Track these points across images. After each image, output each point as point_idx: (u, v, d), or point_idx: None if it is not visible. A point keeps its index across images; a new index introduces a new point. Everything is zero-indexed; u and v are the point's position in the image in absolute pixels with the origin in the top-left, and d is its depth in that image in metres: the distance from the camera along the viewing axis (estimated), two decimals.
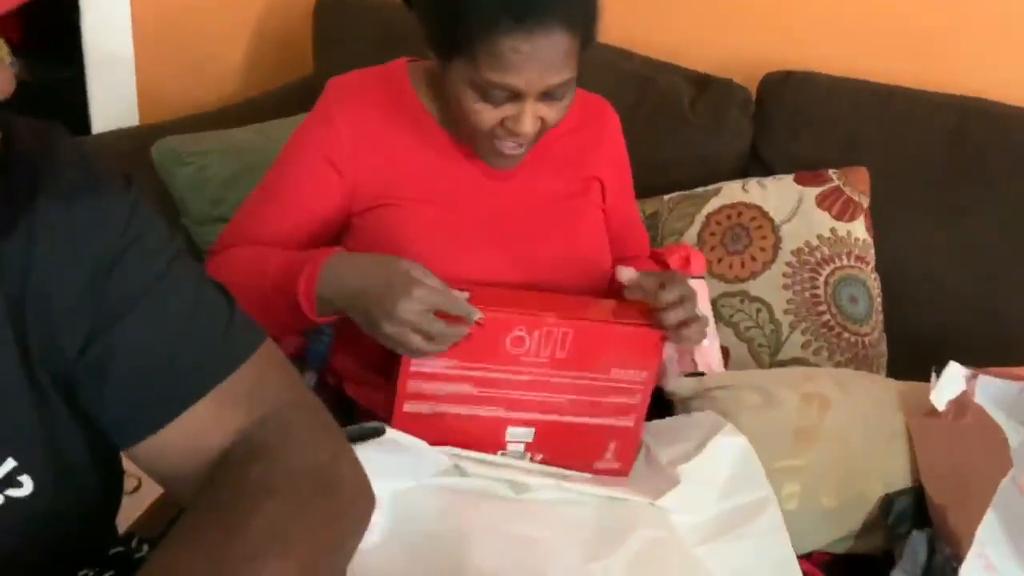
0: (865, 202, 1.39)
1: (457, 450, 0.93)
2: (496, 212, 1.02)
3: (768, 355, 1.33)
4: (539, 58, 0.89)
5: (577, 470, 0.99)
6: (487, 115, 0.93)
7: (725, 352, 1.32)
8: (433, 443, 0.90)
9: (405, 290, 0.85)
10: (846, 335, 1.33)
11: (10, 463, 0.56)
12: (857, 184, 1.39)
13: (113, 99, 1.76)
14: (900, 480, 1.04)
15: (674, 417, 1.10)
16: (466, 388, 0.93)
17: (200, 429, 0.58)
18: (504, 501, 0.91)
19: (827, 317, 1.34)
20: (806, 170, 1.41)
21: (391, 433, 0.87)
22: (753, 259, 1.36)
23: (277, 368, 0.63)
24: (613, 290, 1.02)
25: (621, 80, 1.46)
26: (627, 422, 0.98)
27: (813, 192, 1.38)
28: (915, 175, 1.40)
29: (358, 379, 1.08)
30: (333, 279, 0.89)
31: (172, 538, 0.52)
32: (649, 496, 0.93)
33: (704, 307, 1.27)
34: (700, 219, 1.39)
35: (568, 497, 0.93)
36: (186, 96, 1.83)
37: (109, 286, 0.56)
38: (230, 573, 0.50)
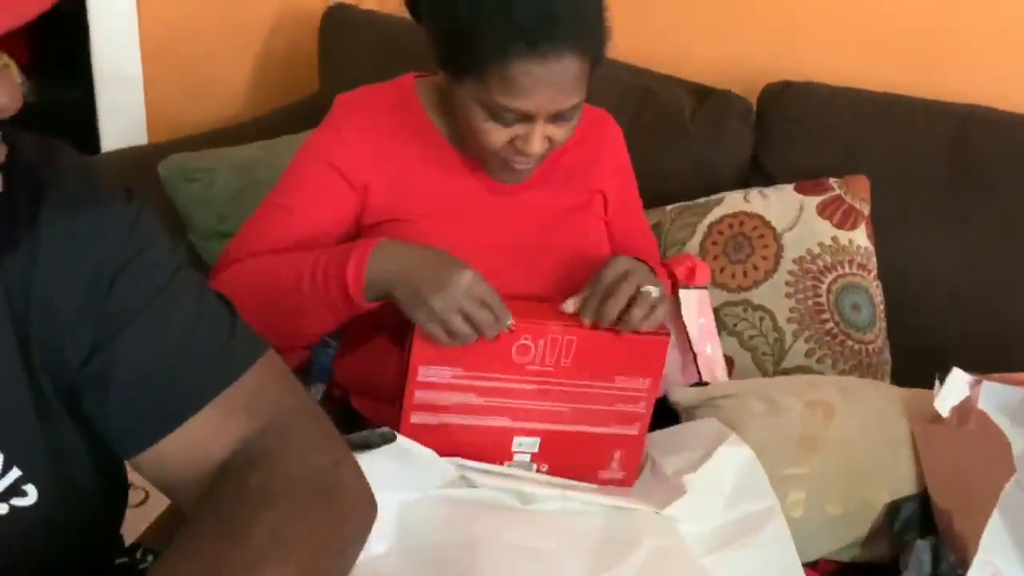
0: (866, 210, 1.39)
1: (463, 461, 0.93)
2: (502, 227, 1.03)
3: (772, 364, 1.33)
4: (551, 83, 0.89)
5: (582, 480, 0.99)
6: (496, 135, 0.93)
7: (729, 361, 1.32)
8: (439, 454, 0.91)
9: (461, 268, 0.87)
10: (849, 343, 1.33)
11: (15, 472, 0.57)
12: (858, 192, 1.40)
13: (122, 118, 1.78)
14: (906, 487, 1.04)
15: (676, 426, 1.10)
16: (472, 398, 0.93)
17: (201, 439, 0.59)
18: (511, 512, 0.91)
19: (830, 325, 1.34)
20: (807, 179, 1.41)
21: (402, 440, 0.87)
22: (755, 268, 1.37)
23: (278, 378, 0.64)
24: None
25: (622, 92, 1.47)
26: (632, 430, 0.98)
27: (814, 201, 1.39)
28: (916, 182, 1.40)
29: (363, 391, 1.08)
30: (383, 259, 0.89)
31: (173, 548, 0.53)
32: (655, 506, 0.93)
33: (707, 317, 1.27)
34: (702, 229, 1.40)
35: (574, 507, 0.93)
36: (194, 115, 1.85)
37: (111, 298, 0.57)
38: None
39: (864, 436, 1.06)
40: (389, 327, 1.01)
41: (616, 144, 1.13)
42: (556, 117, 0.93)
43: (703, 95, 1.52)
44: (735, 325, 1.35)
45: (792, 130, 1.46)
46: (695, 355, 1.23)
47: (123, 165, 1.58)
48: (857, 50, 1.55)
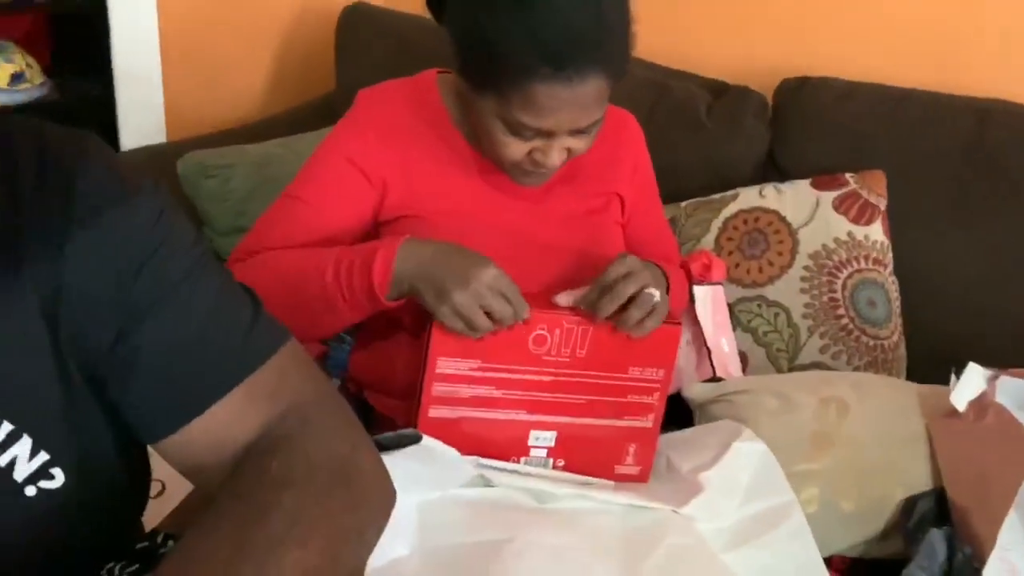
0: (882, 205, 1.38)
1: (482, 459, 0.93)
2: (516, 229, 1.03)
3: (786, 360, 1.33)
4: (574, 103, 0.89)
5: (599, 475, 0.99)
6: (515, 148, 0.93)
7: (743, 357, 1.32)
8: (457, 449, 0.91)
9: (485, 264, 0.88)
10: (865, 339, 1.33)
11: (43, 456, 0.58)
12: (874, 187, 1.39)
13: (141, 117, 1.80)
14: (921, 483, 1.03)
15: (691, 428, 1.10)
16: (489, 390, 0.94)
17: (224, 424, 0.60)
18: (531, 511, 0.91)
19: (845, 321, 1.33)
20: (823, 175, 1.41)
21: (427, 441, 0.87)
22: (771, 264, 1.36)
23: (300, 365, 0.65)
24: None
25: (637, 88, 1.47)
26: (646, 423, 0.99)
27: (830, 196, 1.38)
28: (933, 178, 1.39)
29: (377, 387, 1.09)
30: (409, 256, 0.90)
31: (195, 528, 0.54)
32: (673, 504, 0.94)
33: (722, 313, 1.27)
34: (717, 225, 1.40)
35: (593, 506, 0.93)
36: (212, 113, 1.87)
37: (137, 284, 0.58)
38: (251, 560, 0.52)
39: (878, 432, 1.06)
40: (405, 325, 1.02)
41: (636, 145, 1.13)
42: (576, 131, 0.93)
43: (719, 91, 1.52)
44: (750, 321, 1.35)
45: (808, 126, 1.46)
46: (709, 351, 1.23)
47: (142, 162, 1.60)
48: (873, 45, 1.54)
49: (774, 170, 1.48)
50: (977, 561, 0.92)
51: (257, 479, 0.57)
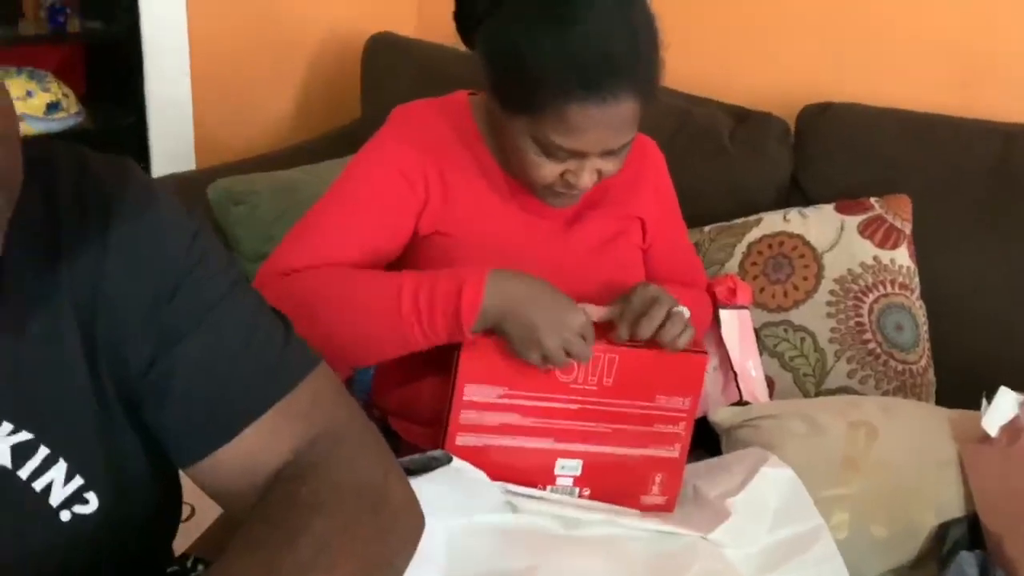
0: (908, 229, 1.38)
1: (509, 486, 0.93)
2: (547, 252, 1.03)
3: (813, 384, 1.32)
4: (607, 124, 0.90)
5: (624, 505, 0.98)
6: (547, 169, 0.94)
7: (769, 382, 1.31)
8: None
9: (575, 311, 0.89)
10: (892, 363, 1.32)
11: (78, 480, 0.59)
12: (899, 212, 1.39)
13: (172, 144, 1.84)
14: (953, 509, 1.02)
15: (717, 457, 1.09)
16: (516, 418, 0.93)
17: (255, 449, 0.60)
18: (559, 538, 0.91)
19: (872, 345, 1.32)
20: (846, 199, 1.41)
21: (457, 463, 0.87)
22: (796, 288, 1.36)
23: (330, 390, 0.65)
24: None
25: (660, 114, 1.48)
26: (672, 452, 0.98)
27: (855, 221, 1.38)
28: (958, 201, 1.39)
29: (401, 414, 1.08)
30: (498, 291, 0.89)
31: (225, 553, 0.54)
32: (701, 530, 0.93)
33: (748, 337, 1.27)
34: (741, 249, 1.40)
35: (621, 533, 0.93)
36: (240, 141, 1.91)
37: (172, 307, 0.59)
38: None
39: (908, 457, 1.05)
40: (428, 353, 1.02)
41: (657, 169, 1.13)
42: (608, 153, 0.93)
43: (741, 117, 1.52)
44: (776, 346, 1.34)
45: (832, 150, 1.46)
46: (736, 375, 1.22)
47: (173, 189, 1.62)
48: (896, 71, 1.54)
49: (797, 195, 1.48)
50: None
51: (287, 504, 0.57)
